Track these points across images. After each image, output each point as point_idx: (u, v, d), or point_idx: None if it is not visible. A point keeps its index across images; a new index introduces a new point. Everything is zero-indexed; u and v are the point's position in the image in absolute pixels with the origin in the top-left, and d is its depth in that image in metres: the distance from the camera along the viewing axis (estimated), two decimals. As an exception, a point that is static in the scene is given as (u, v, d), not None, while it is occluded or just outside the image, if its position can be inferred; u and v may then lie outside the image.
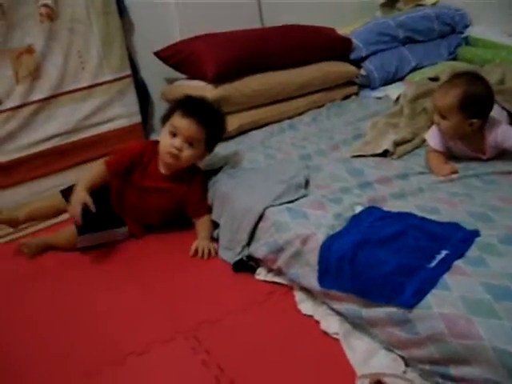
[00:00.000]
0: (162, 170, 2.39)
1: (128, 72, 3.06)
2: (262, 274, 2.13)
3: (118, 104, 3.05)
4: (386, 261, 1.68)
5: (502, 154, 2.28)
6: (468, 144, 2.27)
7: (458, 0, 3.62)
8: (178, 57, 3.03)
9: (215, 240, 2.37)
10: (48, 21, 2.82)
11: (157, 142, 2.39)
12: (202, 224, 2.40)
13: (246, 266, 2.17)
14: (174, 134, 2.29)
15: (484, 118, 2.19)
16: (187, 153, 2.30)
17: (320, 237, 1.86)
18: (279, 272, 2.05)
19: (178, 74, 3.17)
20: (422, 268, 1.62)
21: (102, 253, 2.40)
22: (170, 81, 3.27)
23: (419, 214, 1.91)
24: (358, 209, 1.98)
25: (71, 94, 2.94)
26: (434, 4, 3.76)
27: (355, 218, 1.93)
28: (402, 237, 1.78)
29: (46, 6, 2.80)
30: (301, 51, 3.08)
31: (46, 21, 2.81)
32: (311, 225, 1.93)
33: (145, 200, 2.41)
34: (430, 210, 1.94)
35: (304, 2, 3.59)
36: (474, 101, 2.15)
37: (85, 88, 2.97)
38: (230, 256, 2.21)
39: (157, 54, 3.12)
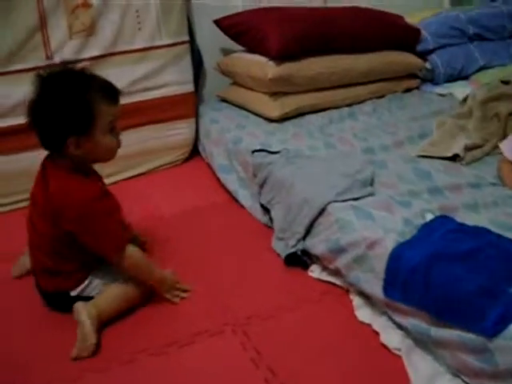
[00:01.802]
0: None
1: (186, 38, 2.92)
2: (316, 272, 2.02)
3: (173, 70, 2.91)
4: (463, 279, 1.56)
5: None
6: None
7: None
8: (239, 27, 2.90)
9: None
10: (108, -25, 2.68)
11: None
12: None
13: (299, 260, 2.05)
14: (111, 129, 1.77)
15: None
16: None
17: (388, 243, 1.74)
18: (336, 272, 1.94)
19: (235, 45, 3.03)
20: (503, 292, 1.50)
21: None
22: (226, 52, 3.14)
23: (494, 229, 1.78)
24: (429, 216, 1.86)
25: (125, 55, 2.81)
26: None
27: (427, 227, 1.80)
28: (479, 254, 1.65)
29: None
30: (368, 37, 2.92)
31: (105, -25, 2.67)
32: (379, 228, 1.81)
33: None
34: (505, 227, 1.81)
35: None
36: None
37: (140, 50, 2.84)
38: (282, 248, 2.10)
39: (217, 22, 2.99)
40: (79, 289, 1.86)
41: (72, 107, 1.66)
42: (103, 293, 1.84)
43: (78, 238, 1.76)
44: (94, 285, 1.88)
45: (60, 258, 1.83)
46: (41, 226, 1.81)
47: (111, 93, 1.76)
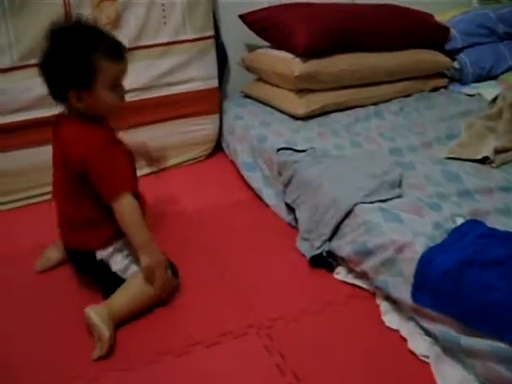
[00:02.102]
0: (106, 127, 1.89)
1: (211, 33, 2.89)
2: (341, 274, 1.98)
3: (197, 65, 2.88)
4: (496, 287, 1.52)
5: None
6: None
7: None
8: (265, 23, 2.86)
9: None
10: (134, -32, 2.65)
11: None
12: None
13: (325, 261, 2.02)
14: (113, 86, 1.76)
15: None
16: None
17: (418, 247, 1.70)
18: (362, 275, 1.90)
19: (260, 41, 3.00)
20: (537, 302, 1.46)
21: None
22: (251, 47, 3.10)
23: (526, 236, 1.74)
24: (460, 221, 1.81)
25: (149, 49, 2.78)
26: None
27: (457, 231, 1.76)
28: (511, 261, 1.61)
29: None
30: (396, 34, 2.87)
31: (131, -32, 2.65)
32: (408, 231, 1.77)
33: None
34: (539, 234, 1.76)
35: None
36: None
37: (164, 44, 2.80)
38: (307, 249, 2.07)
39: (242, 17, 2.96)
40: (104, 253, 1.86)
41: (74, 61, 1.69)
42: (117, 293, 1.81)
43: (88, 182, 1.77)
44: (117, 259, 1.88)
45: (82, 209, 1.84)
46: (60, 175, 1.85)
47: (116, 50, 1.76)
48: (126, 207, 1.77)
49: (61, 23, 1.75)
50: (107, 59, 1.71)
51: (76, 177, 1.77)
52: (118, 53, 1.76)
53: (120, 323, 1.77)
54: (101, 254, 1.87)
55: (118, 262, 1.88)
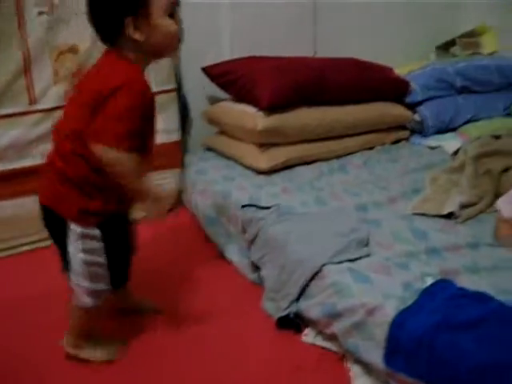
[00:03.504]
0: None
1: (173, 86, 2.87)
2: (310, 336, 1.94)
3: (159, 118, 2.81)
4: (470, 352, 1.49)
5: None
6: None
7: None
8: (228, 76, 2.84)
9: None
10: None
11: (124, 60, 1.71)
12: None
13: (292, 323, 1.97)
14: (170, 15, 1.69)
15: None
16: None
17: (389, 310, 1.67)
18: (332, 337, 1.85)
19: (223, 94, 2.98)
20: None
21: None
22: (214, 100, 3.07)
23: (495, 294, 1.71)
24: (429, 281, 1.79)
25: (110, 102, 2.73)
26: (491, 53, 3.59)
27: (427, 292, 1.74)
28: (485, 324, 1.59)
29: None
30: (357, 88, 2.89)
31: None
32: (378, 293, 1.74)
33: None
34: (507, 292, 1.74)
35: (357, 34, 3.44)
36: None
37: (126, 97, 2.76)
38: (274, 310, 2.02)
39: (205, 70, 2.93)
40: (79, 227, 1.73)
41: None
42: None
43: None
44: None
45: (79, 166, 1.69)
46: (75, 116, 1.70)
47: None
48: (123, 167, 1.64)
49: None
50: None
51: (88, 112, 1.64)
52: None
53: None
54: (73, 226, 1.74)
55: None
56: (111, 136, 1.62)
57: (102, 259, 1.78)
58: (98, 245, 1.76)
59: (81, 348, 1.87)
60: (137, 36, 1.65)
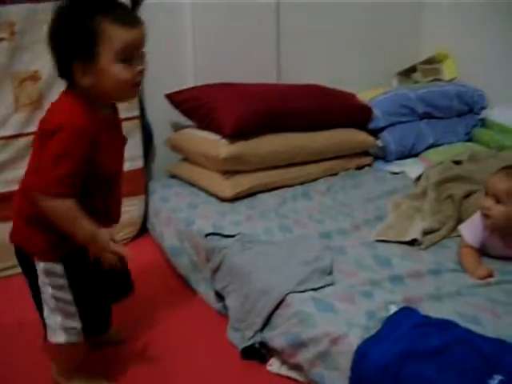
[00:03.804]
0: (106, 111, 1.70)
1: (136, 113, 2.85)
2: (275, 366, 1.92)
3: (122, 146, 2.81)
4: (435, 380, 1.49)
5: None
6: (507, 240, 2.11)
7: (476, 78, 3.50)
8: (191, 104, 2.83)
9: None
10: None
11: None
12: None
13: (257, 352, 1.95)
14: (124, 59, 1.56)
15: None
16: None
17: (353, 339, 1.67)
18: (297, 367, 1.84)
19: (186, 120, 2.97)
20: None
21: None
22: (177, 127, 3.06)
23: (459, 321, 1.73)
24: (393, 309, 1.80)
25: (73, 129, 2.70)
26: (451, 80, 3.65)
27: (391, 321, 1.74)
28: (448, 351, 1.60)
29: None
30: (321, 115, 2.90)
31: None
32: (342, 322, 1.74)
33: (119, 164, 1.84)
34: (472, 320, 1.76)
35: (320, 61, 3.47)
36: None
37: (88, 124, 2.73)
38: (238, 340, 2.00)
39: (169, 96, 2.92)
40: (42, 264, 1.68)
41: (75, 28, 1.52)
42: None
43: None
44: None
45: (33, 203, 1.61)
46: (32, 154, 1.68)
47: (126, 17, 1.55)
48: (59, 211, 1.58)
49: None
50: (113, 24, 1.52)
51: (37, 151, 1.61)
52: (127, 17, 1.56)
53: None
54: (38, 262, 1.70)
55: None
56: (44, 182, 1.56)
57: (70, 296, 1.72)
58: (62, 281, 1.71)
59: (71, 379, 1.85)
60: (84, 81, 1.56)
